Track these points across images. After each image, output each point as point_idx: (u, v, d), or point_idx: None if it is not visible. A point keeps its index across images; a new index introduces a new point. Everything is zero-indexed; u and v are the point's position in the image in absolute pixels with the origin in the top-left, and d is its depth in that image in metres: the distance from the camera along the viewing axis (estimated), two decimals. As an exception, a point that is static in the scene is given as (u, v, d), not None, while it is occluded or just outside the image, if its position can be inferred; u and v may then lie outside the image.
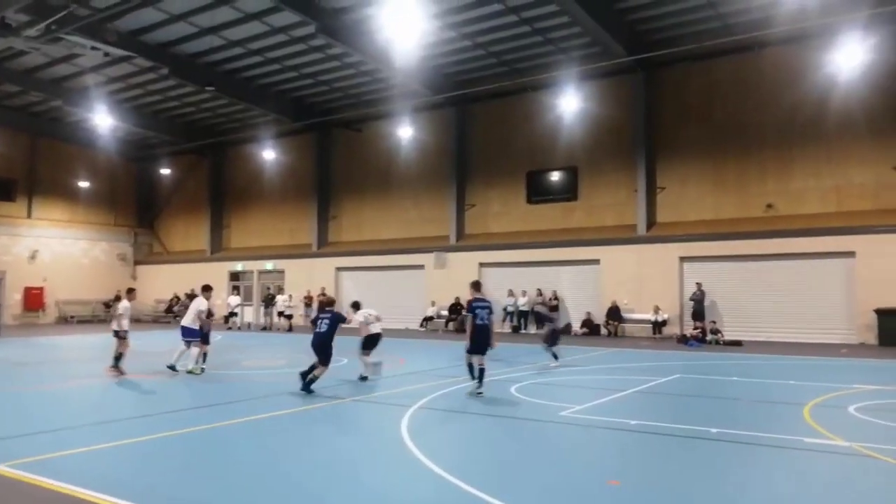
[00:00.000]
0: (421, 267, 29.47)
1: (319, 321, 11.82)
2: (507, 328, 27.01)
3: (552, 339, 15.72)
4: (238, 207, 37.33)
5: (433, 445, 7.93)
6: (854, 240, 21.10)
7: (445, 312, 27.96)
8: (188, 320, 14.30)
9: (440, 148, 29.81)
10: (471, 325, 11.39)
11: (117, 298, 16.62)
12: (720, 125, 24.01)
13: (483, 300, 11.65)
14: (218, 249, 37.68)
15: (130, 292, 15.27)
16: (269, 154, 32.96)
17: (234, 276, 36.46)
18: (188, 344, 14.19)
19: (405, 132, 28.88)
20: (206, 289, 14.93)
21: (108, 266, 38.64)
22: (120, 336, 13.99)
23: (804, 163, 22.56)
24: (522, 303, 26.51)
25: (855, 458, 7.25)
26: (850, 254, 21.26)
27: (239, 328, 30.57)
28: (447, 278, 28.32)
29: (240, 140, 35.61)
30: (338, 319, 11.81)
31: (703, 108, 24.36)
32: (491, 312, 11.58)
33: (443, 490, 6.11)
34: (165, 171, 38.21)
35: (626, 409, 10.37)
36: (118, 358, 13.99)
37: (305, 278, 32.42)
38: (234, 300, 31.45)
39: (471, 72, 27.12)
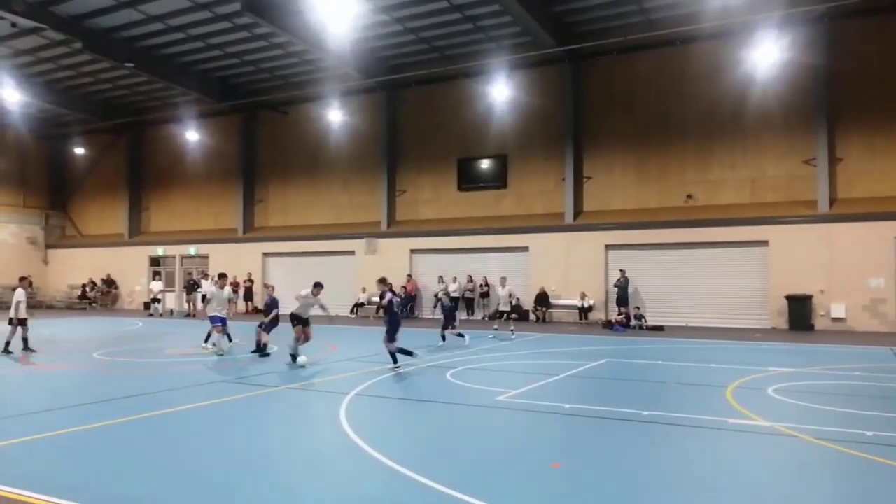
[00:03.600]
0: (351, 253, 29.18)
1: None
2: (438, 314, 27.09)
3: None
4: (159, 190, 35.87)
5: (374, 432, 7.88)
6: (767, 229, 22.23)
7: (377, 299, 27.73)
8: (216, 309, 14.91)
9: (371, 133, 29.50)
10: (392, 315, 12.39)
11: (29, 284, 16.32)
12: (644, 117, 24.73)
13: (395, 292, 12.92)
14: (137, 233, 36.16)
15: (22, 280, 15.63)
16: (191, 135, 31.83)
17: (155, 261, 35.12)
18: (221, 329, 15.08)
19: (335, 116, 28.45)
20: (223, 276, 15.59)
21: (17, 249, 36.48)
22: (23, 324, 14.95)
23: (722, 155, 23.54)
24: (453, 289, 26.65)
25: (777, 437, 7.66)
26: (764, 243, 22.39)
27: (161, 315, 29.52)
28: (378, 264, 28.14)
29: (160, 120, 34.18)
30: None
31: (628, 100, 25.03)
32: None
33: (386, 477, 6.08)
34: (80, 151, 36.33)
35: (559, 393, 10.61)
36: (26, 341, 14.89)
37: (231, 264, 31.46)
38: (156, 286, 30.35)
39: (402, 57, 26.91)
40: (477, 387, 10.83)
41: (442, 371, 12.37)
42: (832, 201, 21.73)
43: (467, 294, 26.59)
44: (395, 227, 28.92)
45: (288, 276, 29.08)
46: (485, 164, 27.49)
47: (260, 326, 15.14)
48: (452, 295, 26.51)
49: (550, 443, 7.59)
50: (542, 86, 26.20)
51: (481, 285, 26.45)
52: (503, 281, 19.99)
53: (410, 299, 27.52)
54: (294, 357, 13.26)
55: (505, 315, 19.69)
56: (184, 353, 15.63)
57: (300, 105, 30.97)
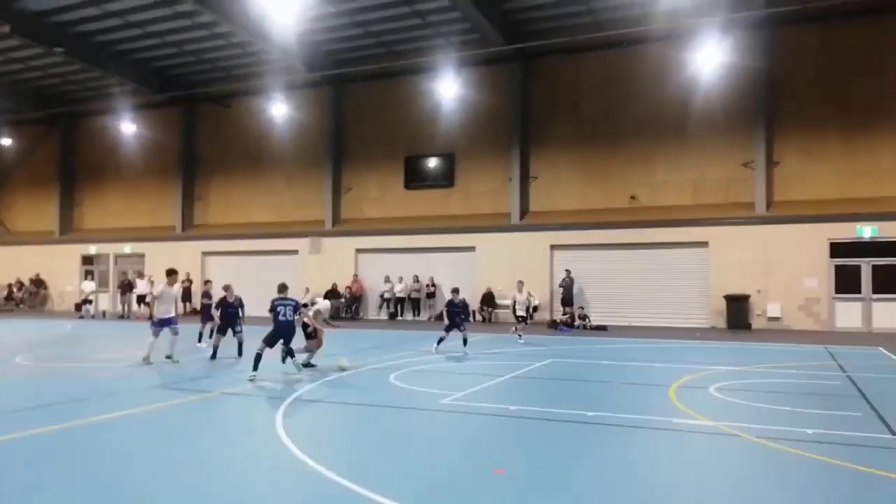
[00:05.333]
0: (295, 252, 28.53)
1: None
2: (383, 315, 26.77)
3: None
4: (93, 185, 34.38)
5: (313, 440, 7.55)
6: (707, 230, 22.67)
7: (321, 299, 27.21)
8: (166, 310, 13.54)
9: (316, 128, 28.90)
10: (276, 322, 11.64)
11: None
12: (590, 118, 24.91)
13: (287, 299, 11.96)
14: (69, 230, 34.59)
15: None
16: (128, 127, 30.62)
17: (88, 259, 33.64)
18: (175, 331, 13.62)
19: (279, 110, 27.76)
20: (172, 273, 14.02)
21: (-64, 247, 34.40)
22: None
23: (665, 157, 23.88)
24: (399, 290, 26.33)
25: (721, 436, 7.63)
26: (704, 243, 22.81)
27: (93, 317, 28.27)
28: (323, 264, 27.64)
29: (95, 111, 32.76)
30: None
31: (576, 101, 25.14)
32: (295, 311, 11.90)
33: (327, 489, 5.76)
34: (7, 142, 34.52)
35: (504, 394, 10.45)
36: None
37: (169, 263, 30.18)
38: (88, 286, 29.07)
39: (349, 51, 26.43)
40: (421, 389, 10.56)
41: (385, 373, 12.07)
42: (769, 203, 22.28)
43: (413, 294, 26.27)
44: (341, 225, 28.42)
45: (229, 277, 28.15)
46: (432, 162, 27.26)
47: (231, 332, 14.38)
48: (398, 295, 26.24)
49: (495, 447, 7.38)
50: (491, 84, 26.12)
51: (427, 285, 26.18)
52: (520, 286, 19.18)
53: (356, 300, 27.08)
54: (309, 364, 12.67)
55: (522, 319, 18.87)
56: (117, 358, 14.87)
57: (243, 98, 30.13)
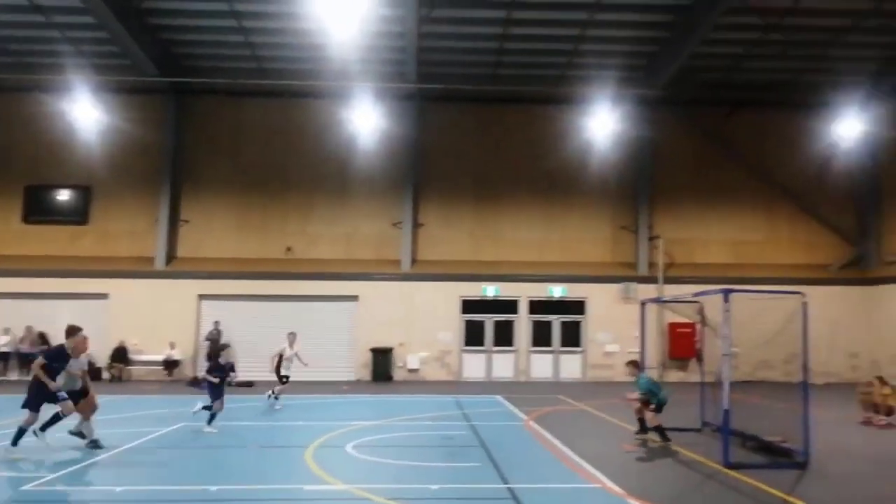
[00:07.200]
0: None
1: None
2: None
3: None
4: None
5: None
6: (358, 285, 23.37)
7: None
8: None
9: None
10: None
11: None
12: (248, 164, 24.14)
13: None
14: None
15: None
16: None
17: None
18: None
19: None
20: None
21: None
22: None
23: (322, 210, 24.17)
24: (4, 343, 21.78)
25: (351, 502, 7.36)
26: (354, 297, 23.45)
27: None
28: None
29: None
30: None
31: (233, 145, 24.21)
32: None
33: None
34: None
35: (114, 472, 8.93)
36: None
37: None
38: None
39: (-46, 53, 21.83)
40: (4, 475, 8.43)
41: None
42: (413, 261, 23.91)
43: (22, 349, 21.85)
44: (-73, 263, 22.80)
45: None
46: (62, 194, 23.66)
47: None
48: (3, 349, 21.76)
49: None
50: (141, 115, 23.68)
51: (41, 338, 22.04)
52: (292, 339, 16.27)
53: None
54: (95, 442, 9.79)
55: (286, 379, 15.99)
56: None
57: None
